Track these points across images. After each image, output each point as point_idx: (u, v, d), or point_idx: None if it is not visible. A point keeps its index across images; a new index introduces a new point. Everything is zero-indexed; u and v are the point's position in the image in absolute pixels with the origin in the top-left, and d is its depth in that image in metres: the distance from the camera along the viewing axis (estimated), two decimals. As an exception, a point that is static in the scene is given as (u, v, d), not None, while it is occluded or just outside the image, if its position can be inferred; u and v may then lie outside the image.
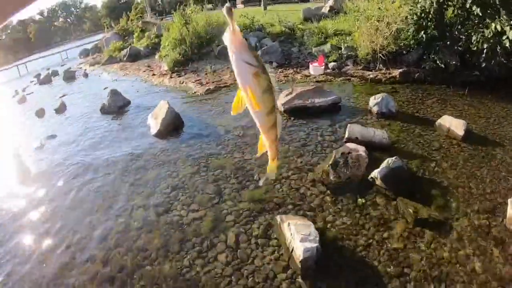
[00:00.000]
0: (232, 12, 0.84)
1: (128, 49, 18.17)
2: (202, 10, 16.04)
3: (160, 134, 7.46)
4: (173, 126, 7.61)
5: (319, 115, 7.59)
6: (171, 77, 11.68)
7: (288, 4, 29.90)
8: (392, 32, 10.08)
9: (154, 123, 7.74)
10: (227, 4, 0.88)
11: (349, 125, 6.56)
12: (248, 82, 0.88)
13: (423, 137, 6.47)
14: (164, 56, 13.74)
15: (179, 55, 12.87)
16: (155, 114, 8.08)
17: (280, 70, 10.76)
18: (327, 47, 11.52)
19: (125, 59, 17.85)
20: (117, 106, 9.73)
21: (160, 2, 45.24)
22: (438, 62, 9.47)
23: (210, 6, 24.99)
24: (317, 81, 9.80)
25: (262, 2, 22.43)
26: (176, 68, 12.38)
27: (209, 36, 13.50)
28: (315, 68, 10.20)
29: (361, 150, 5.63)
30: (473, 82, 8.85)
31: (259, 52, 11.03)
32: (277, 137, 1.06)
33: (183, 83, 10.82)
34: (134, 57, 17.47)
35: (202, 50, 13.06)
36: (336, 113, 7.75)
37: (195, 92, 9.75)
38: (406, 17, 9.96)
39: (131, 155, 6.93)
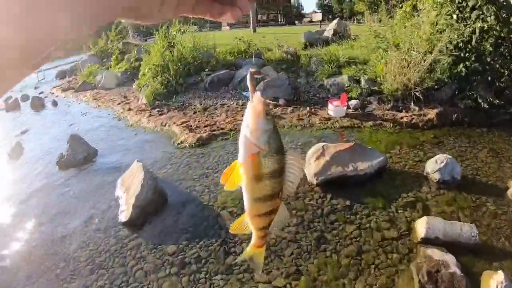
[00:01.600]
0: (254, 78, 0.71)
1: (103, 74, 15.36)
2: (188, 30, 13.47)
3: (132, 223, 4.74)
4: (152, 208, 4.95)
5: (364, 188, 5.20)
6: (150, 115, 9.00)
7: (275, 27, 27.81)
8: (428, 64, 7.80)
9: (124, 200, 5.09)
10: (252, 69, 0.73)
11: (426, 219, 4.23)
12: (244, 160, 0.70)
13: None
14: (143, 86, 10.99)
15: (160, 85, 10.23)
16: (126, 182, 5.44)
17: (290, 109, 8.26)
18: (342, 80, 9.08)
19: (99, 85, 14.97)
20: (77, 159, 6.99)
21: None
22: (478, 99, 7.76)
23: (195, 27, 22.60)
24: (342, 127, 7.38)
25: (251, 24, 19.94)
26: (157, 103, 9.72)
27: (197, 62, 10.84)
28: (336, 109, 7.76)
29: (452, 263, 3.61)
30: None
31: (261, 84, 8.55)
32: (266, 230, 0.81)
33: (165, 125, 8.18)
34: (114, 82, 14.71)
35: (189, 80, 10.43)
36: (385, 183, 5.38)
37: (182, 142, 7.13)
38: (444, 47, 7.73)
39: (86, 260, 4.27)
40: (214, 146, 6.80)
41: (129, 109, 10.04)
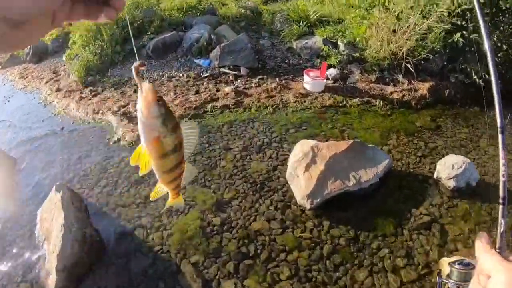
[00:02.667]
0: (139, 72, 0.74)
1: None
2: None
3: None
4: (83, 268, 3.30)
5: (369, 205, 3.94)
6: (81, 97, 6.98)
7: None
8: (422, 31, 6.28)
9: (46, 256, 3.33)
10: (135, 63, 0.74)
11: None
12: (148, 145, 0.77)
13: None
14: (74, 58, 8.74)
15: (93, 56, 8.03)
16: (47, 221, 3.71)
17: (254, 81, 6.54)
18: (316, 42, 7.33)
19: (28, 58, 12.27)
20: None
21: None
22: (472, 74, 6.60)
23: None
24: (323, 106, 5.82)
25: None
26: (90, 79, 7.64)
27: (138, 22, 8.64)
28: (314, 83, 6.15)
29: None
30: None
31: (217, 49, 6.71)
32: (179, 186, 0.92)
33: (98, 112, 6.25)
34: (40, 55, 12.04)
35: (127, 47, 8.26)
36: (392, 194, 4.14)
37: (119, 140, 5.29)
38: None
39: None
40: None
41: (58, 90, 7.88)
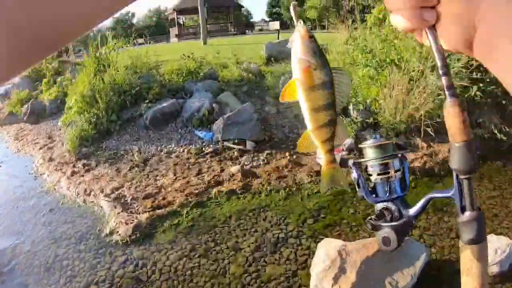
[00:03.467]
0: (296, 8, 0.75)
1: (29, 102, 12.15)
2: (127, 46, 10.60)
3: None
4: None
5: None
6: (73, 172, 6.36)
7: (227, 37, 25.30)
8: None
9: None
10: (294, 2, 0.76)
11: None
12: (297, 75, 0.74)
13: None
14: (68, 124, 8.15)
15: (88, 124, 7.47)
16: None
17: (262, 156, 5.96)
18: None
19: (25, 118, 11.72)
20: None
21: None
22: (492, 128, 6.20)
23: (141, 40, 19.71)
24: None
25: (201, 35, 17.34)
26: (84, 150, 7.02)
27: (135, 89, 8.10)
28: (329, 158, 5.35)
29: None
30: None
31: (220, 121, 6.15)
32: (331, 140, 0.80)
33: (90, 193, 5.57)
34: (37, 116, 11.51)
35: (124, 115, 7.75)
36: None
37: (111, 233, 4.58)
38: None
39: None
40: (159, 241, 4.27)
41: (50, 159, 7.27)
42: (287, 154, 5.81)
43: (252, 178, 5.19)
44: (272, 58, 10.23)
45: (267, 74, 8.59)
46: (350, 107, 6.54)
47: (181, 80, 8.94)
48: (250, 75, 8.85)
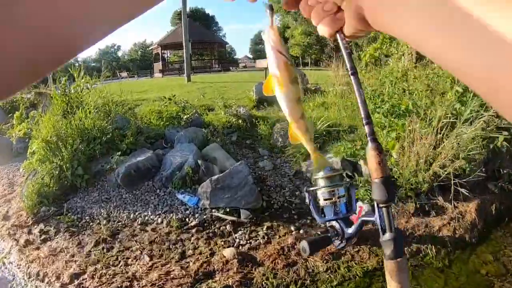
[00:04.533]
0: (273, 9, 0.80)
1: (-7, 142, 10.53)
2: (100, 82, 9.20)
3: None
4: None
5: None
6: (27, 242, 5.20)
7: (211, 74, 24.48)
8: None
9: None
10: (268, 3, 0.83)
11: None
12: (280, 68, 0.81)
13: None
14: (30, 174, 6.76)
15: (50, 178, 6.13)
16: None
17: (261, 232, 4.78)
18: (332, 163, 5.62)
19: None
20: None
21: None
22: None
23: (125, 74, 18.59)
24: (365, 272, 4.08)
25: (185, 72, 16.29)
26: (43, 210, 5.81)
27: (108, 136, 6.78)
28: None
29: None
30: None
31: (207, 184, 4.91)
32: (307, 129, 0.89)
33: (44, 279, 4.41)
34: (3, 154, 9.94)
35: (94, 167, 6.46)
36: None
37: None
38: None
39: None
40: None
41: (5, 217, 5.99)
42: (292, 228, 4.59)
43: (252, 266, 3.91)
44: (263, 101, 9.15)
45: (259, 120, 7.44)
46: (361, 162, 5.42)
47: (161, 124, 7.71)
48: (240, 121, 7.72)
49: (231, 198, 4.91)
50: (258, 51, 59.94)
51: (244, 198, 4.91)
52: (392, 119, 5.30)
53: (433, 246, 4.51)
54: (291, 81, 0.82)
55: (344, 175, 2.15)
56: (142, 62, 57.81)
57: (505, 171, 5.64)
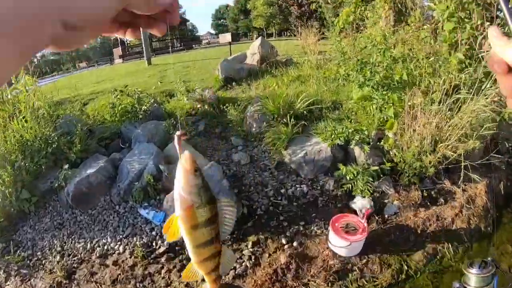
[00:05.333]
0: (181, 140, 0.76)
1: None
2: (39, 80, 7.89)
3: None
4: None
5: None
6: None
7: (173, 54, 22.90)
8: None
9: None
10: (178, 132, 0.77)
11: None
12: (181, 214, 0.77)
13: None
14: None
15: (-11, 202, 5.05)
16: None
17: (247, 252, 3.89)
18: (320, 151, 4.74)
19: None
20: None
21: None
22: None
23: (84, 64, 17.00)
24: None
25: (145, 55, 14.84)
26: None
27: (53, 146, 5.57)
28: (354, 247, 3.35)
29: None
30: None
31: (173, 199, 3.82)
32: (216, 269, 0.86)
33: None
34: None
35: (41, 186, 5.33)
36: None
37: None
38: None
39: None
40: None
41: None
42: (283, 240, 3.70)
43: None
44: (230, 80, 8.07)
45: (228, 104, 6.40)
46: (352, 145, 4.52)
47: (116, 121, 6.53)
48: (206, 106, 6.66)
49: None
50: (220, 25, 57.69)
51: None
52: (384, 92, 4.38)
53: (449, 244, 3.76)
54: (195, 226, 0.76)
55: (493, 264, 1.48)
56: (102, 49, 54.63)
57: (510, 145, 4.93)
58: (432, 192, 4.33)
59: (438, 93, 3.84)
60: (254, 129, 5.66)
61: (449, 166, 4.15)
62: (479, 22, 3.81)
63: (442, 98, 3.84)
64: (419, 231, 3.92)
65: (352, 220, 3.67)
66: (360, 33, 7.26)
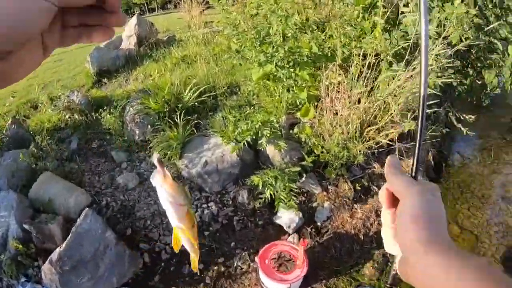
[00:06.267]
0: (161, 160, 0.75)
1: None
2: None
3: None
4: None
5: None
6: None
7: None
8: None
9: None
10: (156, 156, 0.77)
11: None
12: (183, 221, 0.83)
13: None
14: None
15: None
16: None
17: None
18: (223, 155, 3.66)
19: None
20: None
21: None
22: None
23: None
24: None
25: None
26: None
27: None
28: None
29: None
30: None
31: (50, 266, 2.67)
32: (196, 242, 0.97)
33: None
34: None
35: None
36: None
37: None
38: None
39: None
40: None
41: None
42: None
43: None
44: (103, 74, 6.49)
45: (102, 107, 4.94)
46: (263, 143, 3.51)
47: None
48: (76, 115, 5.13)
49: (95, 280, 2.68)
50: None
51: (114, 269, 2.73)
52: (292, 69, 3.41)
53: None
54: (192, 225, 0.85)
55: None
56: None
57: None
58: (363, 180, 3.60)
59: (358, 66, 2.99)
60: (137, 137, 4.35)
61: (380, 150, 3.42)
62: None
63: (366, 74, 3.00)
64: (361, 236, 3.16)
65: (283, 248, 2.74)
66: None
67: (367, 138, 3.25)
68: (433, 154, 4.22)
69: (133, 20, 7.42)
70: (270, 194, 3.16)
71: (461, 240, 3.48)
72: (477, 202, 3.98)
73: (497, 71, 3.99)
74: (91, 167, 4.33)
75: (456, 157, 4.69)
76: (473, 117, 3.67)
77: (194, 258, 1.01)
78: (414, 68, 2.93)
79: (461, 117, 3.82)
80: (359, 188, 3.48)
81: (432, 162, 4.19)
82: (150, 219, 3.45)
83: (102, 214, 3.51)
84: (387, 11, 3.03)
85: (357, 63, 3.02)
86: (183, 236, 0.86)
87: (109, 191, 3.87)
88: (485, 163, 4.59)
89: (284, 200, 3.11)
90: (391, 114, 3.01)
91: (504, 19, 3.67)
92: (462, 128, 3.57)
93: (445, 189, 4.09)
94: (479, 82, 4.11)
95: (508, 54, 3.83)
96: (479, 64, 4.09)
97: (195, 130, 4.06)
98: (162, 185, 0.75)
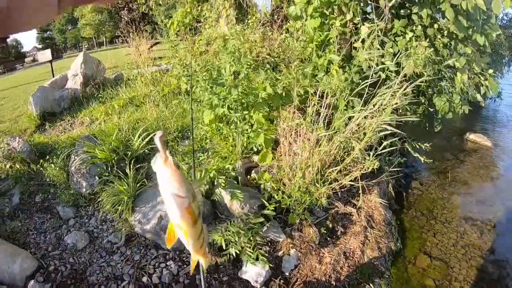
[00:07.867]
0: (164, 140, 0.69)
1: None
2: None
3: None
4: None
5: None
6: None
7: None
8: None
9: None
10: (158, 133, 0.70)
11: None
12: (182, 216, 0.74)
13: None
14: None
15: None
16: None
17: None
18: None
19: None
20: None
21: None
22: None
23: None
24: None
25: None
26: None
27: None
28: None
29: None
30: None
31: None
32: (203, 245, 0.89)
33: None
34: None
35: None
36: None
37: None
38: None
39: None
40: None
41: None
42: None
43: None
44: (46, 117, 5.93)
45: (45, 156, 4.43)
46: (219, 193, 3.19)
47: None
48: (17, 165, 4.57)
49: None
50: (46, 38, 49.69)
51: None
52: (246, 112, 3.14)
53: (371, 285, 2.80)
54: (195, 222, 0.76)
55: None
56: None
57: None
58: (327, 222, 3.36)
59: (316, 107, 2.78)
60: (84, 190, 3.89)
61: (342, 190, 3.21)
62: (348, 18, 2.86)
63: (325, 113, 2.80)
64: (333, 282, 2.89)
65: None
66: (198, 35, 5.95)
67: (330, 180, 3.03)
68: (392, 185, 4.09)
69: (79, 58, 6.91)
70: (234, 250, 2.84)
71: (432, 270, 3.32)
72: (441, 228, 3.88)
73: (447, 97, 3.96)
74: (35, 225, 3.80)
75: (415, 185, 4.62)
76: (429, 145, 3.59)
77: (193, 259, 0.95)
78: (375, 105, 2.77)
79: (417, 146, 3.74)
80: (324, 231, 3.23)
81: (393, 193, 4.06)
82: (105, 284, 3.01)
83: (50, 280, 3.04)
84: (341, 47, 2.87)
85: (314, 104, 2.81)
86: (180, 233, 0.79)
87: (56, 253, 3.37)
88: (444, 186, 4.55)
89: (250, 255, 2.79)
90: (354, 154, 2.82)
91: (452, 47, 3.66)
92: (420, 157, 3.46)
93: (411, 219, 3.96)
94: (431, 109, 4.07)
95: (457, 81, 3.81)
96: (429, 91, 4.05)
97: (146, 181, 3.66)
98: (162, 169, 0.68)
